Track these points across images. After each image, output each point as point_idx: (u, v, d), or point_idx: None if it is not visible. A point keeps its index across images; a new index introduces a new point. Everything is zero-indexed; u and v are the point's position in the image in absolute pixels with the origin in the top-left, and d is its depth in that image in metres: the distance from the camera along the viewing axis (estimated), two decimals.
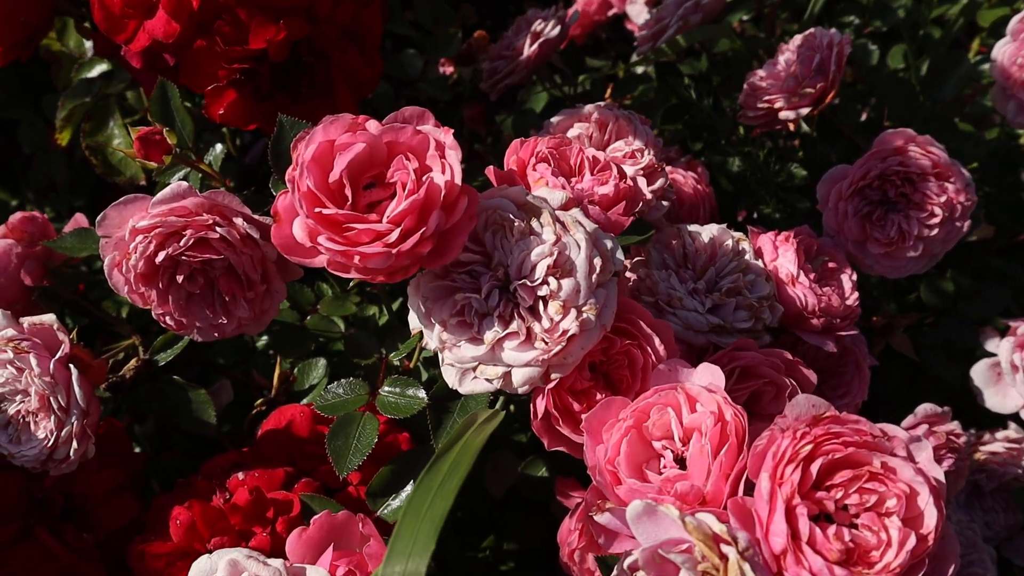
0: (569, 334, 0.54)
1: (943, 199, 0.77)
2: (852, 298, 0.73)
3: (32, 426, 0.65)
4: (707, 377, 0.56)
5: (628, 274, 0.70)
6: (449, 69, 1.16)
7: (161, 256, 0.61)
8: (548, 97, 1.09)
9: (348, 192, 0.53)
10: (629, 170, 0.68)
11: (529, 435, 0.85)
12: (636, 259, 0.71)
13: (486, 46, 1.05)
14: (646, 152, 0.70)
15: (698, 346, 0.67)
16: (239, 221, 0.62)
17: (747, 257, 0.70)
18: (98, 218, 0.62)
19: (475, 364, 0.56)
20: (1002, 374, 0.84)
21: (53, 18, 0.81)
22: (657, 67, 1.02)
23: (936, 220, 0.77)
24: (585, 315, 0.54)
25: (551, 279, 0.54)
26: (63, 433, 0.64)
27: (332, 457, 0.62)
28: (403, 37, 1.09)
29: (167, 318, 0.64)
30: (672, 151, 0.94)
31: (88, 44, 0.91)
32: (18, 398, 0.65)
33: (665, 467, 0.54)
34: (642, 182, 0.68)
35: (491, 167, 0.62)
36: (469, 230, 0.54)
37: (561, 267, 0.54)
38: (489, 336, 0.55)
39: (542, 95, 1.11)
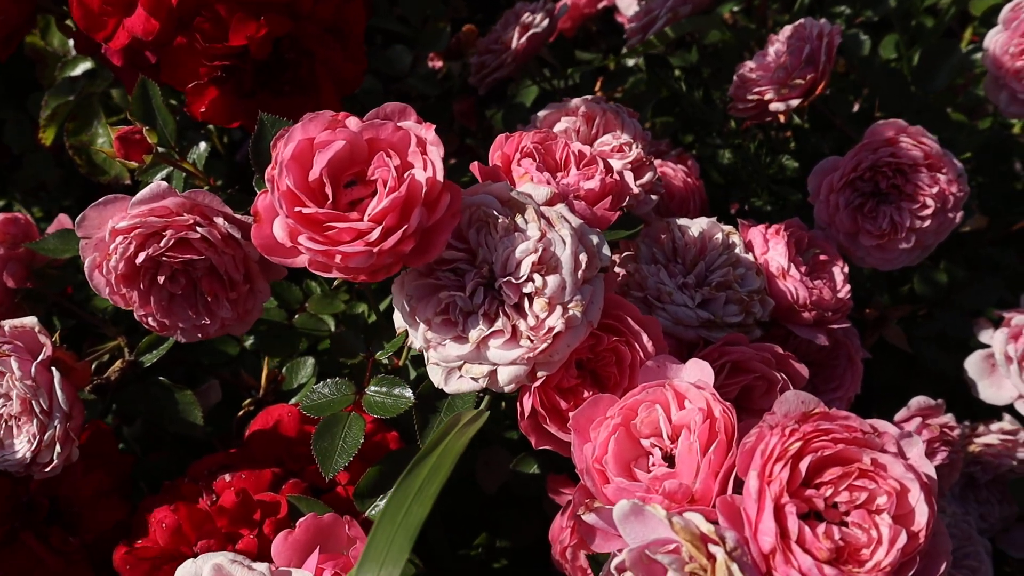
0: (555, 331, 0.53)
1: (935, 190, 0.76)
2: (844, 291, 0.73)
3: (15, 430, 0.64)
4: (696, 373, 0.56)
5: (617, 269, 0.69)
6: (438, 64, 1.16)
7: (141, 257, 0.60)
8: (538, 91, 1.08)
9: (328, 190, 0.52)
10: (616, 164, 0.67)
11: (520, 432, 0.84)
12: (625, 254, 0.70)
13: (475, 40, 1.04)
14: (634, 146, 0.70)
15: (688, 341, 0.66)
16: (220, 221, 0.61)
17: (737, 251, 0.70)
18: (77, 219, 0.61)
19: (460, 363, 0.55)
20: (996, 365, 0.83)
21: (35, 16, 0.80)
22: (647, 59, 1.01)
23: (928, 211, 0.76)
24: (571, 312, 0.53)
25: (536, 276, 0.53)
26: (46, 437, 0.63)
27: (318, 458, 0.61)
28: (394, 33, 1.08)
29: (149, 319, 0.64)
30: (662, 144, 0.93)
31: (72, 42, 0.90)
32: None
33: (654, 465, 0.53)
34: (629, 176, 0.67)
35: (475, 163, 0.61)
36: (452, 227, 0.53)
37: (546, 263, 0.54)
38: (474, 334, 0.54)
39: (532, 89, 1.10)
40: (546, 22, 0.95)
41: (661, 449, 0.54)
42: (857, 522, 0.48)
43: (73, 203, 1.17)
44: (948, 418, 0.81)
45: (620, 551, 0.48)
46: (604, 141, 0.71)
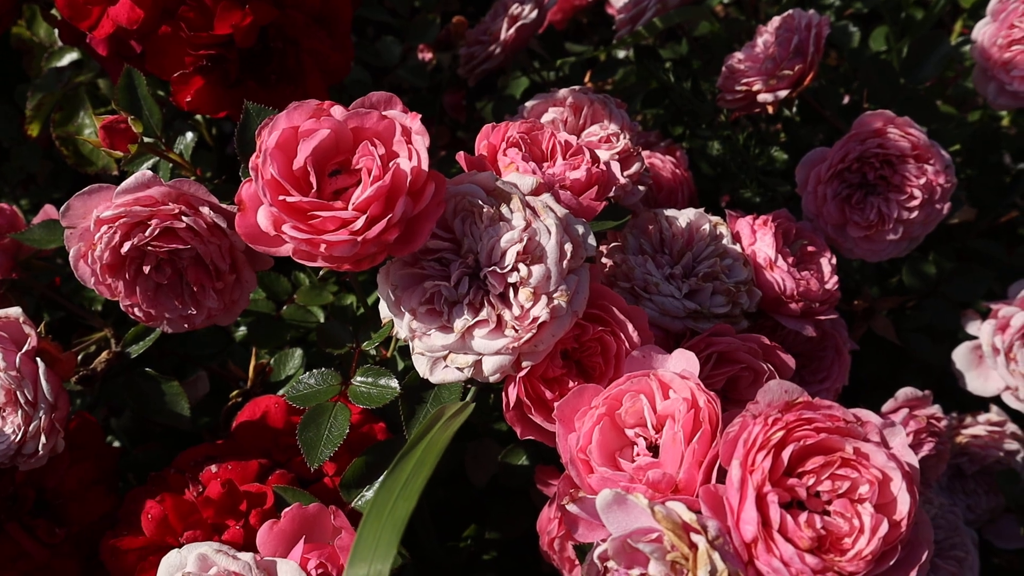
0: (540, 321, 0.53)
1: (923, 181, 0.76)
2: (831, 282, 0.73)
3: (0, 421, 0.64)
4: (681, 363, 0.56)
5: (604, 260, 0.69)
6: (428, 56, 1.15)
7: (127, 246, 0.60)
8: (528, 82, 1.08)
9: (313, 179, 0.52)
10: (604, 155, 0.67)
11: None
12: (612, 244, 0.70)
13: (464, 31, 1.03)
14: (621, 136, 0.69)
15: (675, 332, 0.66)
16: (205, 210, 0.61)
17: (725, 242, 0.70)
18: (62, 208, 0.61)
19: (445, 353, 0.55)
20: (983, 357, 0.84)
21: (19, 6, 0.79)
22: (636, 51, 1.01)
23: (916, 203, 0.76)
24: (556, 302, 0.53)
25: (521, 265, 0.53)
26: (31, 428, 0.63)
27: (304, 448, 0.61)
28: (386, 24, 1.08)
29: (135, 309, 0.63)
30: (652, 135, 0.93)
31: (57, 32, 0.90)
32: None
33: (638, 455, 0.53)
34: (616, 167, 0.67)
35: (462, 152, 0.61)
36: (437, 216, 0.53)
37: (531, 253, 0.53)
38: (459, 324, 0.54)
39: (522, 80, 1.10)
40: (534, 13, 0.95)
41: (645, 439, 0.54)
42: (839, 511, 0.48)
43: (62, 196, 1.16)
44: (935, 409, 0.81)
45: (603, 540, 0.48)
46: (591, 131, 0.71)
